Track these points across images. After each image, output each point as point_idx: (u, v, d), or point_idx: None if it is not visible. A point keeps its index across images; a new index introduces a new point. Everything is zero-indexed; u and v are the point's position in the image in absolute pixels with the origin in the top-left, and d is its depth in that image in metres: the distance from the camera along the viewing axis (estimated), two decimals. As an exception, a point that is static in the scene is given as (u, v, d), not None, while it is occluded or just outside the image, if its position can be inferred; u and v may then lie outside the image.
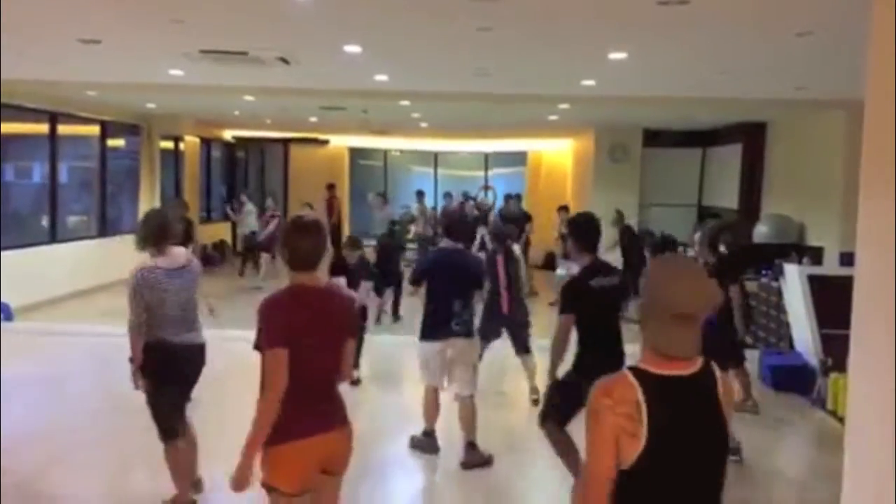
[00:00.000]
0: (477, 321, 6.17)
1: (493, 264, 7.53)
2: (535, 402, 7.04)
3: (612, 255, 12.30)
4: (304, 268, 3.35)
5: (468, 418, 5.80)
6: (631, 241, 12.37)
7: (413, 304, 6.91)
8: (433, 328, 5.77)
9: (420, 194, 16.52)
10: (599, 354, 4.65)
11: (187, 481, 4.79)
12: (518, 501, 5.51)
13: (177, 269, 4.65)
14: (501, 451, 5.99)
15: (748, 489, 5.57)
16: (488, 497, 5.47)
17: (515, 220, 13.70)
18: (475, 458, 5.74)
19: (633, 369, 2.18)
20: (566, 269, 11.19)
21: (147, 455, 4.95)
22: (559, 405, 4.80)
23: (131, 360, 4.59)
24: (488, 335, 7.44)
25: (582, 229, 4.94)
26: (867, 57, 3.76)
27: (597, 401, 2.14)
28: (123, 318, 4.69)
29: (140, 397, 4.62)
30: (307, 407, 3.29)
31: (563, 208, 13.69)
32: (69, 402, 6.97)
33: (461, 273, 5.82)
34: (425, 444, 6.00)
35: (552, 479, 5.31)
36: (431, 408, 5.96)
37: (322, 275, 3.48)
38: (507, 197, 15.63)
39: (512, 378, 7.95)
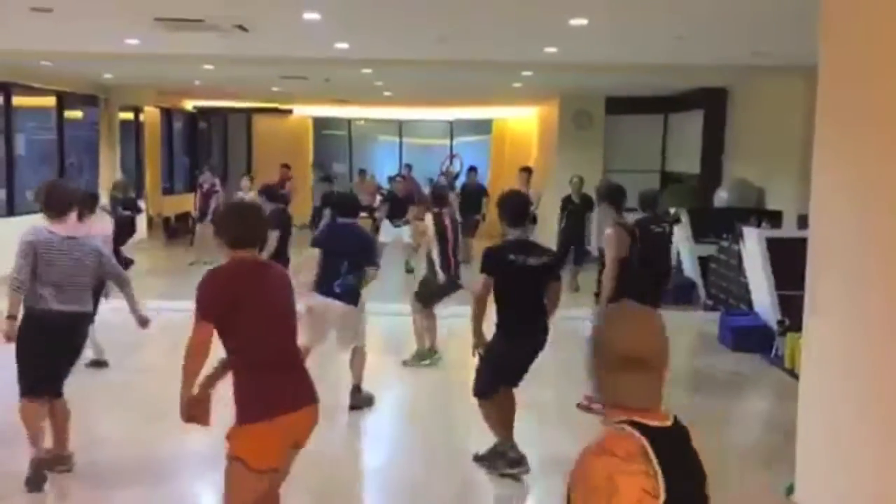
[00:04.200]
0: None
1: (440, 224, 7.70)
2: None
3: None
4: (243, 245, 3.37)
5: (357, 366, 6.40)
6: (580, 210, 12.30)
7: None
8: (319, 286, 6.28)
9: (362, 172, 17.37)
10: (517, 330, 4.96)
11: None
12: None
13: (72, 238, 4.78)
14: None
15: (707, 442, 5.70)
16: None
17: (473, 194, 14.24)
18: (360, 400, 6.36)
19: (624, 422, 1.82)
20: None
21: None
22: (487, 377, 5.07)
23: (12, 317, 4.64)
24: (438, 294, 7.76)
25: (509, 206, 5.14)
26: (819, 23, 3.82)
27: (601, 466, 1.75)
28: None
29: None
30: (283, 382, 3.30)
31: (526, 169, 13.48)
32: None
33: (347, 245, 6.34)
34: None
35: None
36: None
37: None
38: (470, 169, 15.88)
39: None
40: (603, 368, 1.89)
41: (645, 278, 6.53)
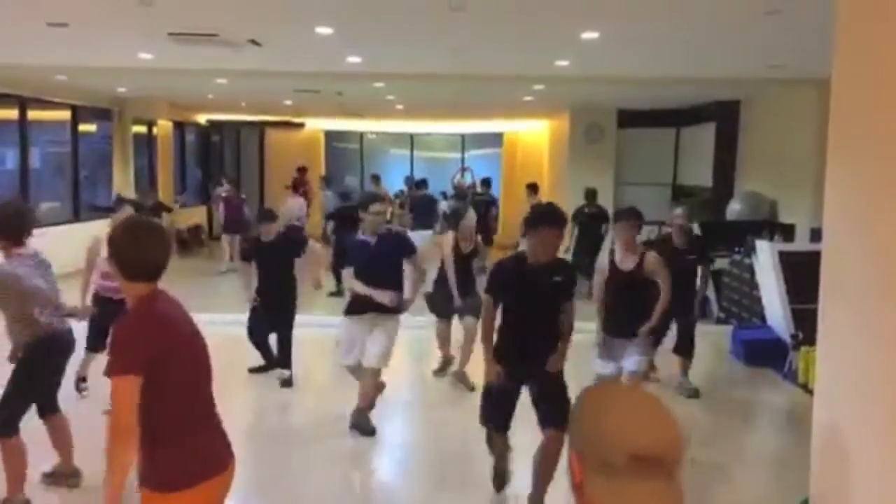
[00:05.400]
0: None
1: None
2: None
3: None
4: (148, 278, 2.83)
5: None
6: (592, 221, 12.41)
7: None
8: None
9: (376, 178, 16.92)
10: (518, 346, 4.62)
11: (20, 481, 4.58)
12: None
13: (34, 256, 4.67)
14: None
15: (720, 457, 5.67)
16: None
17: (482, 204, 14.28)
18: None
19: None
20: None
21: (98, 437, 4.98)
22: (491, 409, 4.79)
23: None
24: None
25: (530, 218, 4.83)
26: (833, 35, 3.81)
27: None
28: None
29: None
30: (213, 439, 2.89)
31: (532, 186, 13.53)
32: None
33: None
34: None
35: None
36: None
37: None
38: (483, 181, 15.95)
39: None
40: (596, 471, 1.39)
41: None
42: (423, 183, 15.56)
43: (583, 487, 1.41)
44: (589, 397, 1.50)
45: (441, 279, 7.61)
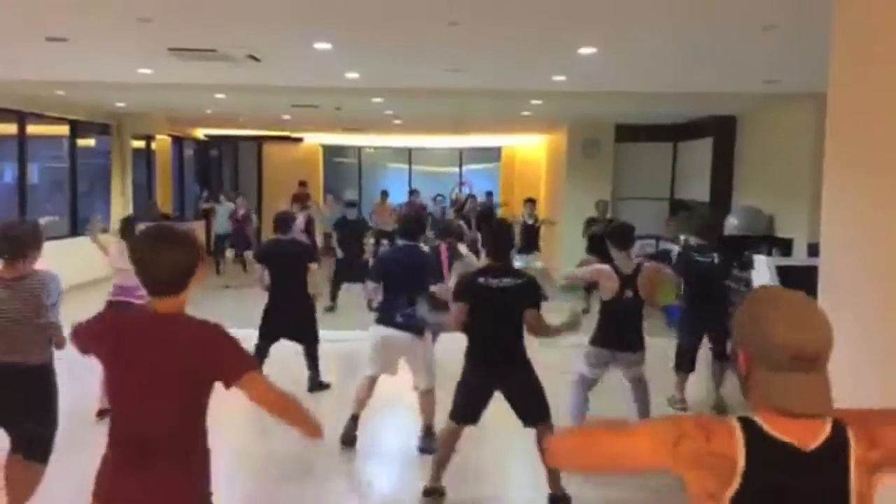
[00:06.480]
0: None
1: (436, 257, 7.59)
2: None
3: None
4: (163, 292, 2.60)
5: (426, 408, 6.01)
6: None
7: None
8: (380, 315, 6.04)
9: (384, 193, 17.09)
10: (485, 351, 4.90)
11: None
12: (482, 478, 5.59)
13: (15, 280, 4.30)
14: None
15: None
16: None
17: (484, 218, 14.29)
18: (432, 444, 5.84)
19: (745, 421, 1.74)
20: (524, 262, 11.37)
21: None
22: (457, 402, 5.01)
23: None
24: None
25: (484, 236, 5.22)
26: (829, 50, 3.83)
27: (691, 430, 1.74)
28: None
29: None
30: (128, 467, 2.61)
31: (530, 200, 13.66)
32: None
33: (408, 269, 5.99)
34: (347, 426, 6.07)
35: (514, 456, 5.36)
36: (361, 392, 6.15)
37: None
38: (487, 194, 16.03)
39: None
40: (762, 367, 1.74)
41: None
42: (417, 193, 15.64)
43: (749, 379, 1.78)
44: (753, 303, 1.82)
45: None
